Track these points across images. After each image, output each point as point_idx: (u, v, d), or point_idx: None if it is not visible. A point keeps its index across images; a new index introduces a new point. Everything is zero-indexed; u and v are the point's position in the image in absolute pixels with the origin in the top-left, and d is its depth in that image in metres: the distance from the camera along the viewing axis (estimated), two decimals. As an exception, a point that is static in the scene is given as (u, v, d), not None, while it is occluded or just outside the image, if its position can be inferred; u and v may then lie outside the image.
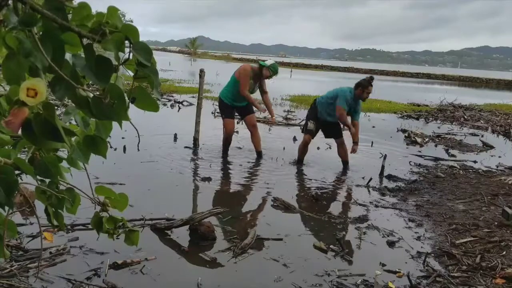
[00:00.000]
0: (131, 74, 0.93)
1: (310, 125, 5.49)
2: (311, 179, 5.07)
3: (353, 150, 5.46)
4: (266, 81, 5.74)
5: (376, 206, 4.18)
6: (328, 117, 5.42)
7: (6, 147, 1.06)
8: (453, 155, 6.83)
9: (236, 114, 5.82)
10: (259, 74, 5.57)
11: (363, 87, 5.22)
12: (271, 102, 5.97)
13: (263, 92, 5.74)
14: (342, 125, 5.52)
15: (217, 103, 6.05)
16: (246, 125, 5.83)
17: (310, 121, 5.50)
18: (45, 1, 0.83)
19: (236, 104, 5.68)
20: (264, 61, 5.68)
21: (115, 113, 0.90)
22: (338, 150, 5.60)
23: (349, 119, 5.35)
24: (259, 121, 6.02)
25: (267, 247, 3.11)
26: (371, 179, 4.96)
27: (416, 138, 7.93)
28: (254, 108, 5.74)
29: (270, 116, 5.84)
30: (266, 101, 5.73)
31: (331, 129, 5.53)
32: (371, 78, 5.30)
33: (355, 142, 5.43)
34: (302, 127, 5.70)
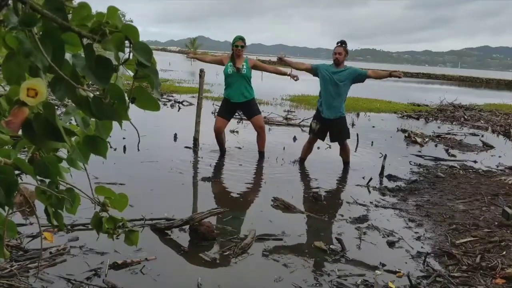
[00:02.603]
0: (131, 74, 0.93)
1: (313, 125, 5.48)
2: (311, 179, 5.07)
3: (400, 75, 5.25)
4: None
5: (376, 206, 4.18)
6: (329, 113, 5.36)
7: (6, 147, 1.06)
8: (453, 155, 6.82)
9: (239, 114, 5.82)
10: (234, 57, 5.60)
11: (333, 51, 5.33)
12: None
13: (265, 68, 5.82)
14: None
15: (217, 103, 6.08)
16: (254, 127, 5.81)
17: (314, 121, 5.48)
18: (45, 1, 0.83)
19: (234, 100, 5.62)
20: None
21: (115, 113, 0.90)
22: (340, 151, 5.59)
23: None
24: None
25: (267, 247, 3.11)
26: (371, 179, 4.96)
27: (416, 138, 7.93)
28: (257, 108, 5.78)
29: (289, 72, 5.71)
30: (272, 70, 5.87)
31: (338, 130, 5.42)
32: (340, 41, 5.36)
33: (393, 72, 5.30)
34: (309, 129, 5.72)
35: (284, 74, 5.70)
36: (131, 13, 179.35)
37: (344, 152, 5.56)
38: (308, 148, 5.64)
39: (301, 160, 5.67)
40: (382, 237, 3.43)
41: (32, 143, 0.97)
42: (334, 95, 5.26)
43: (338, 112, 5.34)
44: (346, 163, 5.60)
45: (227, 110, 5.74)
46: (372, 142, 7.36)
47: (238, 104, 5.70)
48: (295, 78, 5.64)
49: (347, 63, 5.48)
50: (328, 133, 5.50)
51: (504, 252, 3.15)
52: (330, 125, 5.39)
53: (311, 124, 5.55)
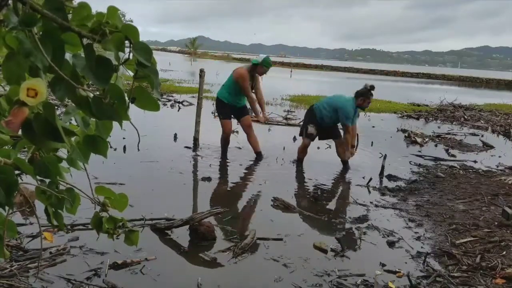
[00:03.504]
0: (131, 74, 0.93)
1: (310, 129, 5.42)
2: (311, 179, 5.07)
3: (351, 154, 5.49)
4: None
5: (376, 206, 4.18)
6: (329, 122, 5.39)
7: (6, 147, 1.06)
8: (453, 155, 6.82)
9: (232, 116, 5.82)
10: (253, 72, 5.56)
11: (365, 96, 5.21)
12: (265, 99, 5.89)
13: (257, 89, 5.70)
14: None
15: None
16: (242, 127, 5.82)
17: (310, 125, 5.43)
18: (45, 1, 0.83)
19: (234, 104, 5.65)
20: (256, 58, 5.60)
21: (115, 113, 0.90)
22: (337, 150, 5.59)
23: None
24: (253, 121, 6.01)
25: (267, 247, 3.11)
26: (371, 179, 4.96)
27: (416, 138, 7.93)
28: (250, 109, 5.78)
29: (260, 113, 5.71)
30: (259, 96, 5.69)
31: (329, 131, 5.49)
32: (372, 87, 5.25)
33: (353, 146, 5.45)
34: (301, 130, 5.66)
35: (255, 110, 5.70)
36: (131, 13, 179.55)
37: (342, 149, 5.54)
38: (303, 151, 5.63)
39: (299, 160, 5.67)
40: (382, 237, 3.43)
41: (32, 143, 0.97)
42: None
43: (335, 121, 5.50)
44: (345, 162, 5.59)
45: (229, 112, 5.74)
46: (372, 142, 7.36)
47: (238, 107, 5.71)
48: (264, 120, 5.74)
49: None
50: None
51: (504, 252, 3.15)
52: (325, 129, 5.48)
53: (307, 128, 5.46)
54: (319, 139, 5.67)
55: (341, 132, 5.58)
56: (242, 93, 5.59)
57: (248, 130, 5.76)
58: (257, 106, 5.71)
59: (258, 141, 5.84)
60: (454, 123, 10.83)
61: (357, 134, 7.16)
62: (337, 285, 2.64)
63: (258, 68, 5.52)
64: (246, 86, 5.47)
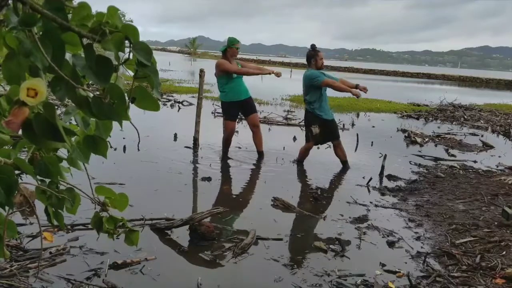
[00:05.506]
0: (131, 74, 0.93)
1: (315, 130, 5.35)
2: (311, 179, 5.07)
3: (364, 89, 5.39)
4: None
5: (376, 206, 4.18)
6: (329, 114, 5.39)
7: (6, 147, 1.06)
8: (453, 155, 6.82)
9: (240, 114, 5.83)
10: (229, 60, 5.53)
11: (314, 57, 5.30)
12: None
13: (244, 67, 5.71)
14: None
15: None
16: (249, 125, 5.82)
17: (314, 126, 5.37)
18: (45, 1, 0.83)
19: (236, 99, 5.59)
20: (222, 47, 5.61)
21: (115, 113, 0.91)
22: (335, 151, 5.57)
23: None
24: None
25: (267, 247, 3.11)
26: (371, 179, 4.96)
27: (416, 138, 7.93)
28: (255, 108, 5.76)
29: (270, 72, 5.68)
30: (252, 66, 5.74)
31: (328, 130, 5.48)
32: (311, 46, 5.40)
33: (356, 86, 5.36)
34: (306, 135, 5.55)
35: (265, 70, 5.74)
36: (131, 13, 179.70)
37: (340, 150, 5.53)
38: (305, 153, 5.62)
39: (299, 162, 5.66)
40: (382, 237, 3.43)
41: (32, 143, 0.97)
42: (327, 96, 5.47)
43: (332, 112, 5.54)
44: (344, 162, 5.58)
45: (235, 113, 5.72)
46: (372, 142, 7.36)
47: (244, 101, 5.66)
48: (275, 73, 5.68)
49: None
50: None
51: (504, 252, 3.15)
52: (327, 126, 5.41)
53: (311, 129, 5.39)
54: (325, 141, 5.69)
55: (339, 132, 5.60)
56: (232, 84, 5.53)
57: (254, 129, 5.76)
58: (259, 70, 5.77)
59: (263, 140, 5.83)
60: (454, 123, 10.83)
61: (357, 134, 7.17)
62: (337, 285, 2.64)
63: (229, 52, 5.50)
64: (227, 67, 5.43)
